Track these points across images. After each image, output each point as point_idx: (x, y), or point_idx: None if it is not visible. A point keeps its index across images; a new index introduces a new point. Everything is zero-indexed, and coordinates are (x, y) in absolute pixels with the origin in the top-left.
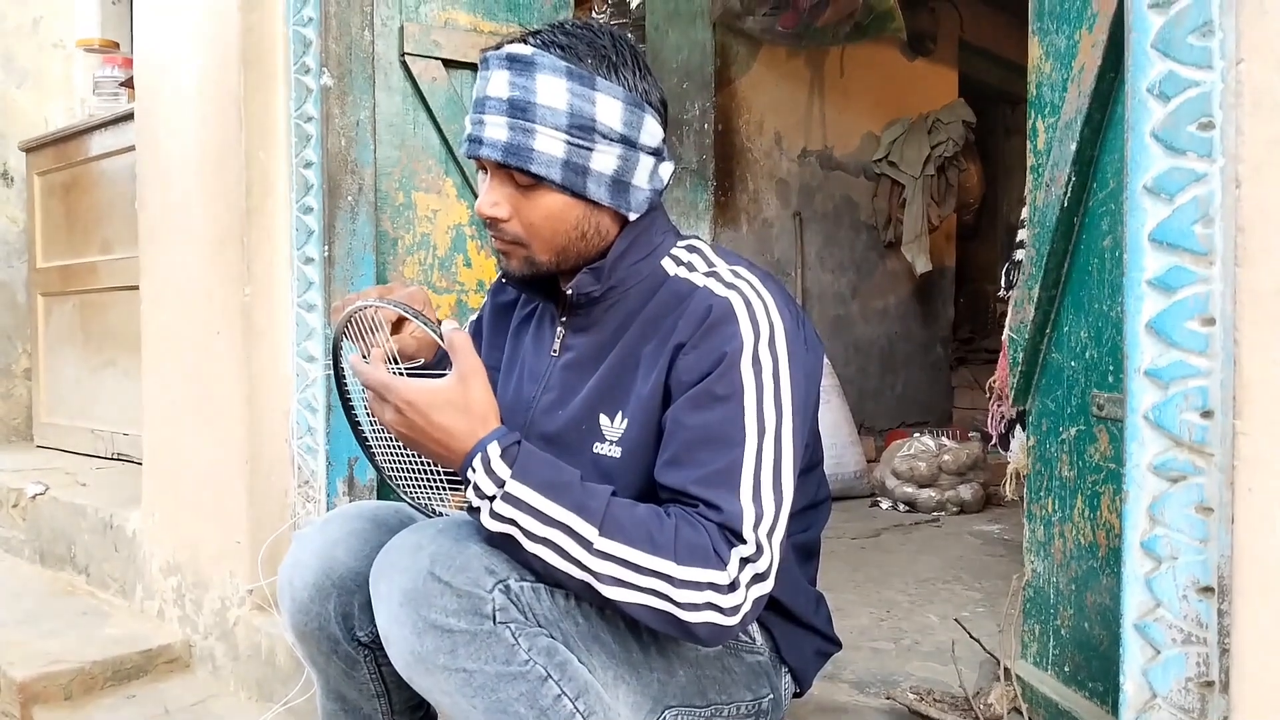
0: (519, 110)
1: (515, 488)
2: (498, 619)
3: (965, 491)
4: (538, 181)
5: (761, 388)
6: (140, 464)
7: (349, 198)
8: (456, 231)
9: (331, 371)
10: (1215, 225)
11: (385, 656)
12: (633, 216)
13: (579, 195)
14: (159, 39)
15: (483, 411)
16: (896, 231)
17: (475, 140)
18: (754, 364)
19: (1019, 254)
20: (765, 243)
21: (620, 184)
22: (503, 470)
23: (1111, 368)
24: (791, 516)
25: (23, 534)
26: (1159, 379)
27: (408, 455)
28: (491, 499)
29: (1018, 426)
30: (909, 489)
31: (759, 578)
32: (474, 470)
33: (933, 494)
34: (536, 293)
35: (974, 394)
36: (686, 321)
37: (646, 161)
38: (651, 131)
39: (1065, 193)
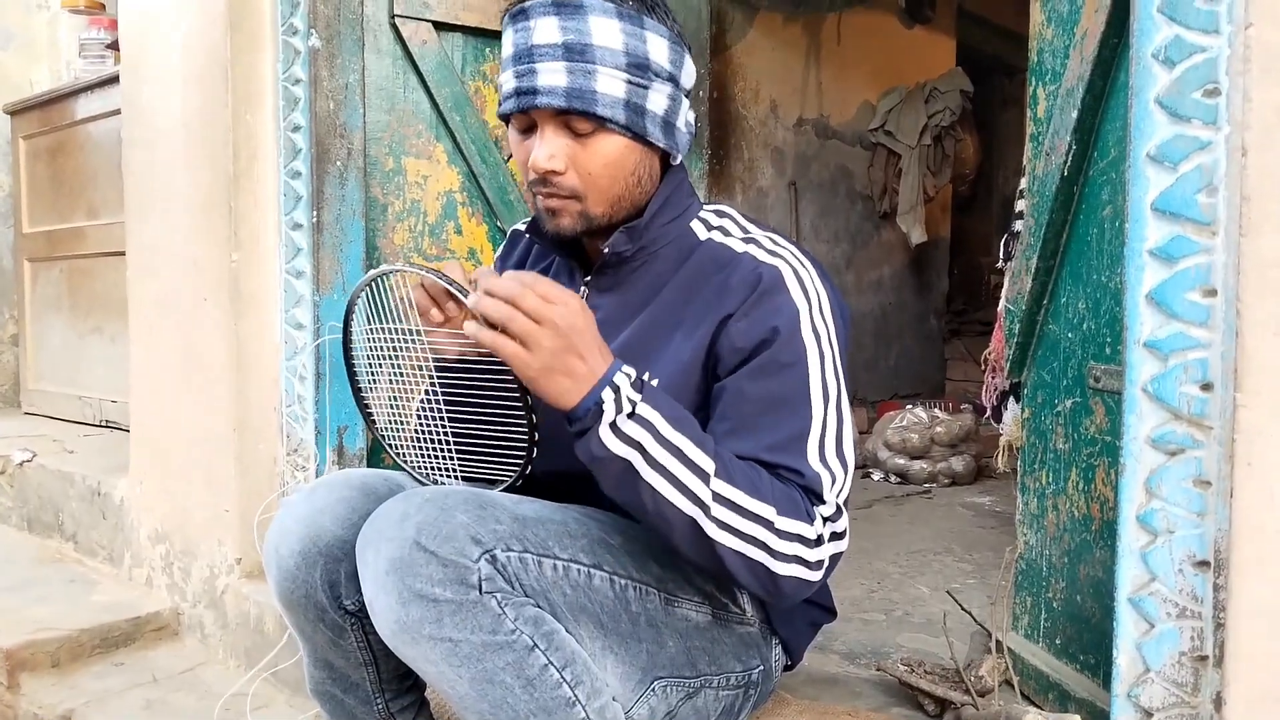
0: (576, 53)
1: (645, 410)
2: (483, 589)
3: (957, 463)
4: (599, 126)
5: (823, 355)
6: (128, 431)
7: (338, 163)
8: (447, 198)
9: (341, 336)
10: (1219, 194)
11: (372, 625)
12: (677, 159)
13: (638, 137)
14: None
15: (599, 339)
16: (892, 202)
17: (528, 92)
18: (813, 332)
19: (1017, 225)
20: (760, 212)
21: (669, 125)
22: (634, 395)
23: (1109, 339)
24: None
25: (10, 501)
26: (1158, 351)
27: (420, 424)
28: (614, 421)
29: (1010, 398)
30: (901, 460)
31: (836, 536)
32: (612, 389)
33: (925, 465)
34: (563, 249)
35: (967, 366)
36: (735, 289)
37: (685, 102)
38: (689, 71)
39: (1065, 161)
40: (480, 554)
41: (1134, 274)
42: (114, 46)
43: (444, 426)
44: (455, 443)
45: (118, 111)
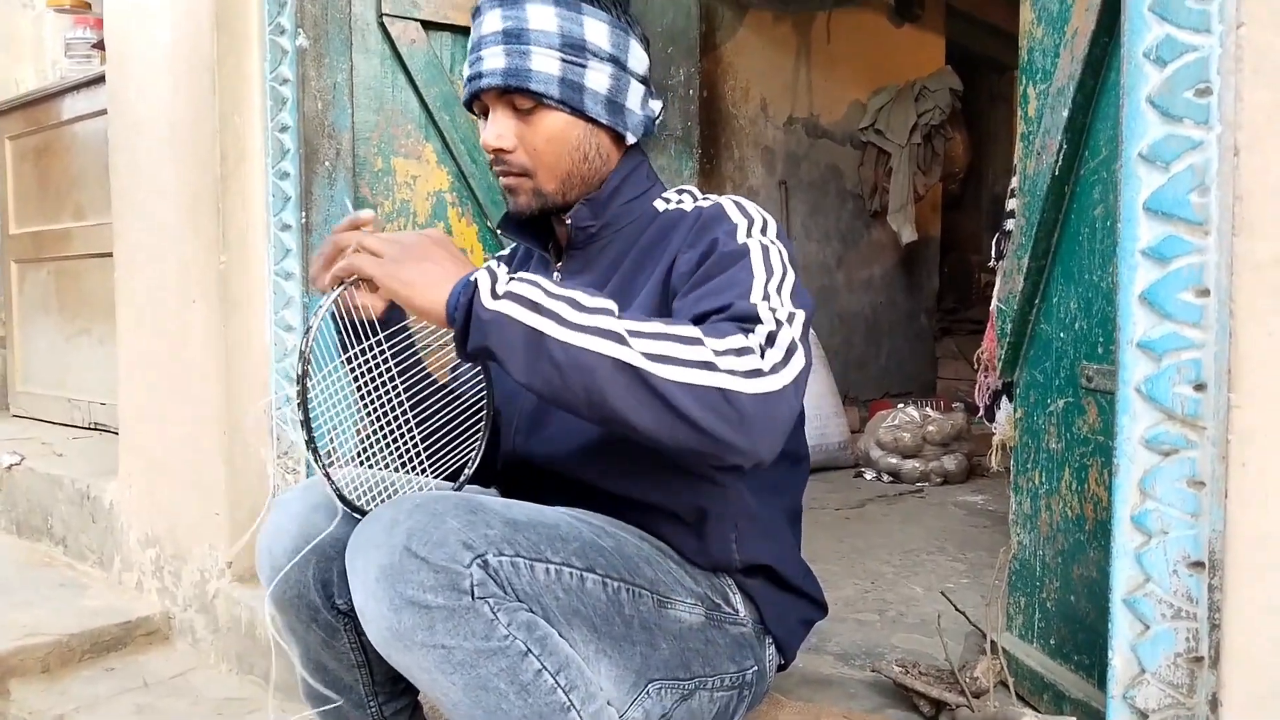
0: (513, 37)
1: (524, 278)
2: (476, 594)
3: (949, 462)
4: (538, 102)
5: (766, 250)
6: (117, 434)
7: (326, 163)
8: (437, 198)
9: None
10: (1211, 194)
11: None
12: (630, 139)
13: (578, 112)
14: None
15: (462, 260)
16: (882, 201)
17: (475, 77)
18: (751, 236)
19: (1009, 224)
20: None
21: (615, 104)
22: (505, 275)
23: (1101, 339)
24: (772, 474)
25: None
26: (1151, 351)
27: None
28: (493, 288)
29: (1003, 398)
30: (893, 459)
31: (789, 351)
32: (487, 272)
33: (917, 465)
34: (534, 239)
35: (958, 364)
36: (681, 231)
37: (637, 87)
38: (638, 57)
39: (1056, 161)
40: (472, 559)
41: (1126, 274)
42: (100, 46)
43: (413, 429)
44: (425, 436)
45: (104, 111)
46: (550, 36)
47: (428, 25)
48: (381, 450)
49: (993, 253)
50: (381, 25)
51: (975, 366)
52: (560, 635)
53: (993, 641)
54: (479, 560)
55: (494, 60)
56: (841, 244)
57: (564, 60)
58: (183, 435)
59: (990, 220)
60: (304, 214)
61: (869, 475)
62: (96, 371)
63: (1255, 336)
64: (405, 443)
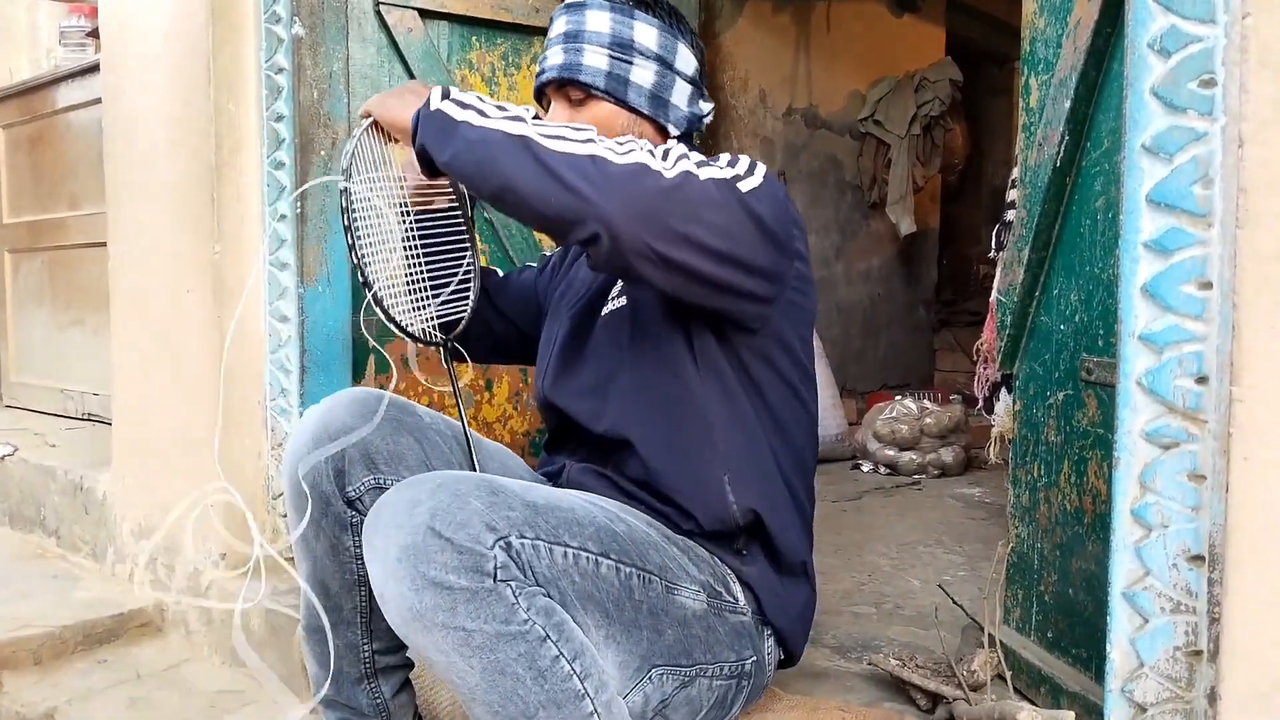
0: (571, 38)
1: (471, 94)
2: (499, 577)
3: (947, 454)
4: (588, 93)
5: (735, 159)
6: (111, 425)
7: (322, 153)
8: None
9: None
10: (1215, 186)
11: None
12: (673, 130)
13: (621, 102)
14: None
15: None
16: (881, 192)
17: (540, 73)
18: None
19: (1009, 215)
20: None
21: (659, 99)
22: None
23: (1102, 331)
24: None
25: None
26: (1153, 343)
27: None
28: (444, 93)
29: (1002, 390)
30: (890, 452)
31: (680, 159)
32: (436, 89)
33: (914, 457)
34: None
35: (956, 356)
36: None
37: (683, 86)
38: (686, 59)
39: (1058, 152)
40: (495, 541)
41: (1129, 266)
42: (95, 34)
43: (420, 258)
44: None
45: (99, 100)
46: (602, 36)
47: (425, 14)
48: (387, 273)
49: (993, 244)
50: (378, 14)
51: (974, 358)
52: (575, 621)
53: (990, 634)
54: (502, 542)
55: (555, 58)
56: (840, 235)
57: (612, 57)
58: (176, 426)
59: (989, 212)
60: (299, 204)
61: (866, 467)
62: (90, 362)
63: (1258, 330)
64: (412, 268)
